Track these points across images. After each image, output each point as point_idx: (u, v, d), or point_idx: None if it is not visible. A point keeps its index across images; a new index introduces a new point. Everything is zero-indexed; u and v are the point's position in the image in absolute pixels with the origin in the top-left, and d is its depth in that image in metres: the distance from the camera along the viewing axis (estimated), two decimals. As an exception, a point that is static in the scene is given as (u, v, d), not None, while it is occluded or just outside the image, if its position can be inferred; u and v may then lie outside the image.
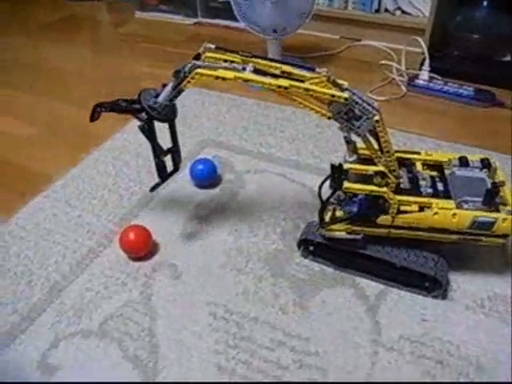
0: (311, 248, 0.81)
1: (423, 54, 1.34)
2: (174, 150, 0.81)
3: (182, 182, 0.98)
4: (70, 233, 0.90)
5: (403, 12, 1.55)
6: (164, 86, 0.74)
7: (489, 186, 0.73)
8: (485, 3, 1.34)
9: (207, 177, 0.98)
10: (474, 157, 0.79)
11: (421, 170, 0.78)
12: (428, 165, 0.79)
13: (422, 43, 1.33)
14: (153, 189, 0.82)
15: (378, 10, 1.56)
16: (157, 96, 0.73)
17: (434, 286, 0.74)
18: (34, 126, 1.23)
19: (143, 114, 0.74)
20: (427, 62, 1.32)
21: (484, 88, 1.29)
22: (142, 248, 0.83)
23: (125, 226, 0.85)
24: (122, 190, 0.99)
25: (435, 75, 1.33)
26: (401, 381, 0.66)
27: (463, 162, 0.78)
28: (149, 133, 0.75)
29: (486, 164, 0.77)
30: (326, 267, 0.81)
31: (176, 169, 0.82)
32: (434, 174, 0.78)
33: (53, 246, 0.87)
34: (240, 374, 0.67)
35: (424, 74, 1.33)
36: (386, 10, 1.56)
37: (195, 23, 1.80)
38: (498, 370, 0.67)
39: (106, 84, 1.42)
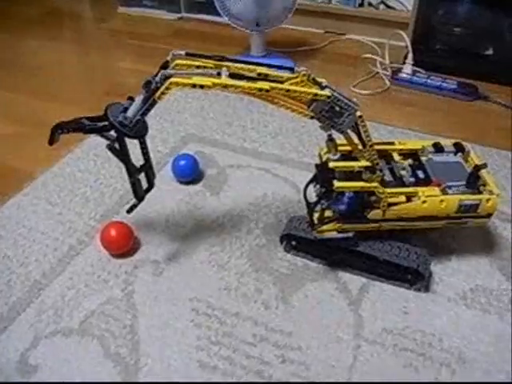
0: (294, 243, 0.80)
1: (407, 47, 1.34)
2: (148, 167, 0.75)
3: (164, 178, 0.97)
4: (51, 231, 0.88)
5: (387, 6, 1.55)
6: (130, 98, 0.68)
7: (467, 169, 0.76)
8: (467, -3, 1.35)
9: (189, 172, 0.97)
10: (447, 142, 0.81)
11: (399, 160, 0.78)
12: (404, 154, 0.80)
13: (406, 37, 1.33)
14: (130, 210, 0.76)
15: (361, 4, 1.56)
16: (125, 110, 0.67)
17: (417, 279, 0.75)
18: (15, 123, 1.21)
19: (111, 132, 0.68)
20: (410, 55, 1.33)
21: (467, 81, 1.30)
22: (123, 245, 0.82)
23: (106, 223, 0.84)
24: (104, 187, 0.98)
25: (419, 69, 1.34)
26: (383, 373, 0.66)
27: (438, 148, 0.79)
28: (121, 152, 0.69)
29: (459, 148, 0.79)
30: (308, 261, 0.81)
31: (151, 186, 0.77)
32: (412, 162, 0.79)
33: (33, 244, 0.86)
34: (222, 370, 0.66)
35: (407, 68, 1.33)
36: (370, 4, 1.56)
37: (178, 18, 1.79)
38: (479, 361, 0.67)
39: (89, 80, 1.41)
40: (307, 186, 0.75)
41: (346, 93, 0.65)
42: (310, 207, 0.74)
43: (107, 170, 1.02)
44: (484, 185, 0.74)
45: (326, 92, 0.63)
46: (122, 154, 0.70)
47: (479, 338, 0.70)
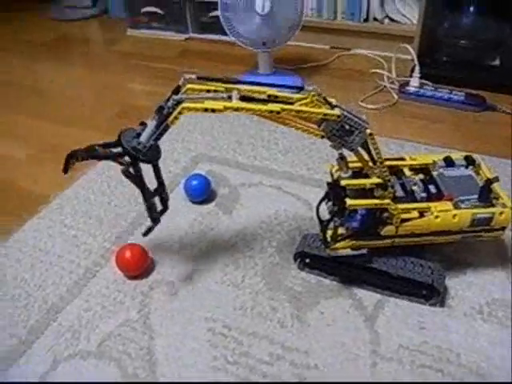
0: (307, 260, 0.81)
1: (413, 60, 1.35)
2: (161, 189, 0.76)
3: (176, 199, 0.98)
4: (67, 253, 0.90)
5: (391, 20, 1.56)
6: (142, 123, 0.69)
7: (478, 182, 0.76)
8: (472, 9, 1.36)
9: (202, 192, 0.98)
10: (457, 155, 0.81)
11: (409, 175, 0.79)
12: (414, 169, 0.80)
13: (412, 50, 1.34)
14: (146, 233, 0.77)
15: (366, 19, 1.57)
16: (138, 136, 0.68)
17: (432, 294, 0.74)
18: (29, 147, 1.23)
19: (125, 158, 0.68)
20: (417, 68, 1.33)
21: (475, 93, 1.30)
22: (138, 266, 0.83)
23: (121, 245, 0.85)
24: (118, 209, 0.99)
25: (426, 81, 1.34)
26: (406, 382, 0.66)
27: (449, 162, 0.79)
28: (136, 177, 0.70)
29: (470, 161, 0.79)
30: (322, 279, 0.81)
31: (165, 208, 0.77)
32: (423, 177, 0.79)
33: (49, 267, 0.87)
34: (240, 390, 0.66)
35: (415, 81, 1.34)
36: (375, 19, 1.57)
37: (186, 39, 1.82)
38: (499, 376, 0.66)
39: (100, 103, 1.43)
40: (319, 204, 0.75)
41: (355, 110, 0.66)
42: (323, 225, 0.74)
43: (121, 192, 1.03)
44: (497, 198, 0.74)
45: (336, 111, 0.63)
46: (137, 179, 0.70)
47: (497, 352, 0.69)
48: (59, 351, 0.73)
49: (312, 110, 0.63)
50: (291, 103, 0.64)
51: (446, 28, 1.40)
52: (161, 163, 0.75)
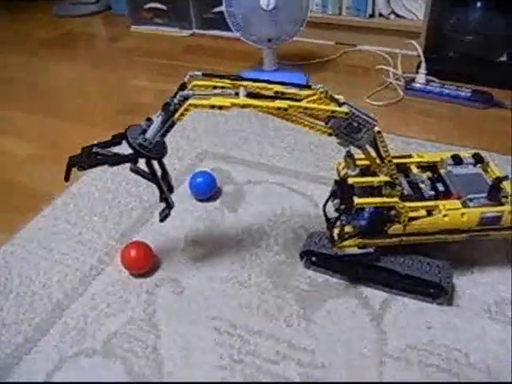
0: (314, 259, 0.80)
1: (419, 57, 1.34)
2: (166, 174, 0.75)
3: (181, 196, 0.98)
4: (71, 251, 0.89)
5: (397, 16, 1.55)
6: (148, 119, 0.69)
7: (487, 180, 0.75)
8: (478, 4, 1.34)
9: (207, 190, 0.97)
10: (465, 153, 0.80)
11: (417, 172, 0.78)
12: (422, 166, 0.79)
13: (418, 46, 1.33)
14: (163, 219, 0.75)
15: (372, 15, 1.56)
16: (144, 132, 0.67)
17: (439, 293, 0.74)
18: (32, 144, 1.23)
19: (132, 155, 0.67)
20: (423, 64, 1.32)
21: (481, 89, 1.29)
22: (143, 264, 0.83)
23: (126, 243, 0.85)
24: (122, 206, 0.99)
25: (432, 78, 1.33)
26: (408, 381, 0.65)
27: (457, 160, 0.78)
28: (149, 172, 0.70)
29: (478, 159, 0.79)
30: (329, 277, 0.80)
31: (171, 190, 0.77)
32: (431, 175, 0.78)
33: (54, 265, 0.87)
34: (246, 390, 0.66)
35: (421, 77, 1.33)
36: (381, 15, 1.56)
37: (190, 35, 1.81)
38: (507, 376, 0.66)
39: (104, 99, 1.43)
40: (326, 202, 0.75)
41: (362, 107, 0.65)
42: (330, 223, 0.74)
43: (125, 189, 1.03)
44: (506, 196, 0.73)
45: (344, 109, 0.63)
46: (151, 175, 0.70)
47: (505, 352, 0.68)
48: (65, 349, 0.73)
49: (320, 107, 0.63)
50: (299, 100, 0.63)
51: (453, 23, 1.38)
52: (165, 160, 0.75)
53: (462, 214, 0.71)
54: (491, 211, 0.71)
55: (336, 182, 0.73)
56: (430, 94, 1.30)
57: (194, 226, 0.92)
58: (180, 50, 1.70)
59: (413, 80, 1.34)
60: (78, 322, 0.77)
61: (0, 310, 0.79)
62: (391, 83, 1.37)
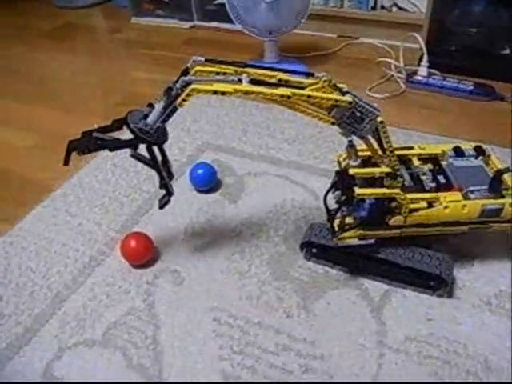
0: (314, 250, 0.80)
1: (421, 49, 1.33)
2: (166, 161, 0.75)
3: (181, 187, 0.98)
4: (71, 242, 0.89)
5: (399, 8, 1.54)
6: (150, 105, 0.68)
7: (488, 172, 0.75)
8: (481, -4, 1.34)
9: (207, 181, 0.97)
10: (467, 145, 0.80)
11: (418, 164, 0.77)
12: (423, 159, 0.79)
13: (420, 39, 1.32)
14: (163, 206, 0.75)
15: (374, 7, 1.55)
16: (145, 117, 0.67)
17: (440, 285, 0.74)
18: (32, 135, 1.23)
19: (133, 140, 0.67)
20: (425, 57, 1.32)
21: (484, 82, 1.28)
22: (143, 255, 0.83)
23: (126, 234, 0.85)
24: (122, 197, 0.98)
25: (434, 71, 1.33)
26: (408, 382, 0.65)
27: (458, 152, 0.78)
28: (150, 158, 0.69)
29: (479, 151, 0.78)
30: (329, 269, 0.80)
31: (171, 177, 0.76)
32: (432, 167, 0.78)
33: (54, 255, 0.87)
34: (245, 380, 0.66)
35: (423, 70, 1.32)
36: (383, 7, 1.55)
37: (191, 27, 1.80)
38: (506, 368, 0.66)
39: (104, 91, 1.42)
40: (327, 193, 0.74)
41: (365, 98, 0.65)
42: (331, 214, 0.73)
43: (125, 180, 1.02)
44: (507, 189, 0.73)
45: (348, 98, 0.62)
46: (152, 161, 0.70)
47: (505, 344, 0.68)
48: (64, 339, 0.73)
49: (324, 95, 0.62)
50: (302, 88, 0.63)
51: (456, 16, 1.37)
52: (166, 151, 0.75)
53: (463, 206, 0.70)
54: (492, 203, 0.71)
55: (337, 172, 0.73)
56: (432, 86, 1.29)
57: (194, 218, 0.92)
58: (181, 41, 1.69)
59: (415, 73, 1.33)
60: (78, 312, 0.77)
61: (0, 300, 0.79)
62: (393, 76, 1.36)
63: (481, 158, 0.78)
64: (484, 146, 0.79)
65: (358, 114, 0.64)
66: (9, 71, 1.58)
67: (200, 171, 0.96)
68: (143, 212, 0.94)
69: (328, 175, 0.95)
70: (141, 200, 0.97)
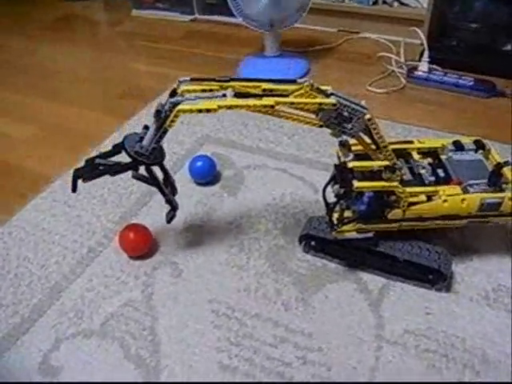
0: (313, 243, 0.80)
1: (422, 45, 1.32)
2: (168, 177, 0.78)
3: (181, 180, 0.97)
4: (70, 233, 0.89)
5: (401, 3, 1.53)
6: (145, 127, 0.71)
7: (488, 166, 0.75)
8: (483, -8, 1.33)
9: (206, 174, 0.97)
10: (467, 139, 0.80)
11: (418, 158, 0.77)
12: (423, 153, 0.79)
13: (421, 34, 1.31)
14: (170, 220, 0.79)
15: (375, 2, 1.54)
16: (141, 140, 0.70)
17: (438, 279, 0.74)
18: (32, 126, 1.22)
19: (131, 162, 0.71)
20: (426, 53, 1.31)
21: (484, 78, 1.28)
22: (142, 247, 0.82)
23: (124, 225, 0.84)
24: (121, 189, 0.98)
25: (435, 66, 1.32)
26: (405, 375, 0.65)
27: (458, 146, 0.78)
28: (149, 178, 0.73)
29: (479, 145, 0.78)
30: (328, 262, 0.80)
31: (175, 192, 0.80)
32: (431, 161, 0.78)
33: (52, 246, 0.87)
34: (243, 372, 0.66)
35: (423, 66, 1.31)
36: (384, 2, 1.54)
37: (192, 20, 1.79)
38: (503, 362, 0.66)
39: (105, 83, 1.42)
40: (326, 186, 0.74)
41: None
42: (330, 207, 0.73)
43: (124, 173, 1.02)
44: (506, 183, 0.72)
45: (332, 100, 0.63)
46: (151, 180, 0.73)
47: (503, 338, 0.68)
48: (62, 330, 0.73)
49: (307, 100, 0.63)
50: (286, 95, 0.64)
51: (457, 12, 1.37)
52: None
53: (462, 200, 0.70)
54: (491, 197, 0.71)
55: (336, 166, 0.73)
56: (433, 82, 1.29)
57: (193, 210, 0.92)
58: (181, 34, 1.69)
59: (415, 68, 1.33)
60: (76, 303, 0.77)
61: (-2, 290, 0.79)
62: (393, 71, 1.36)
63: (480, 151, 0.78)
64: (484, 141, 0.79)
65: (346, 114, 0.64)
66: (9, 62, 1.57)
67: (199, 164, 0.96)
68: (142, 204, 0.94)
69: (327, 169, 0.95)
70: (139, 192, 0.97)
